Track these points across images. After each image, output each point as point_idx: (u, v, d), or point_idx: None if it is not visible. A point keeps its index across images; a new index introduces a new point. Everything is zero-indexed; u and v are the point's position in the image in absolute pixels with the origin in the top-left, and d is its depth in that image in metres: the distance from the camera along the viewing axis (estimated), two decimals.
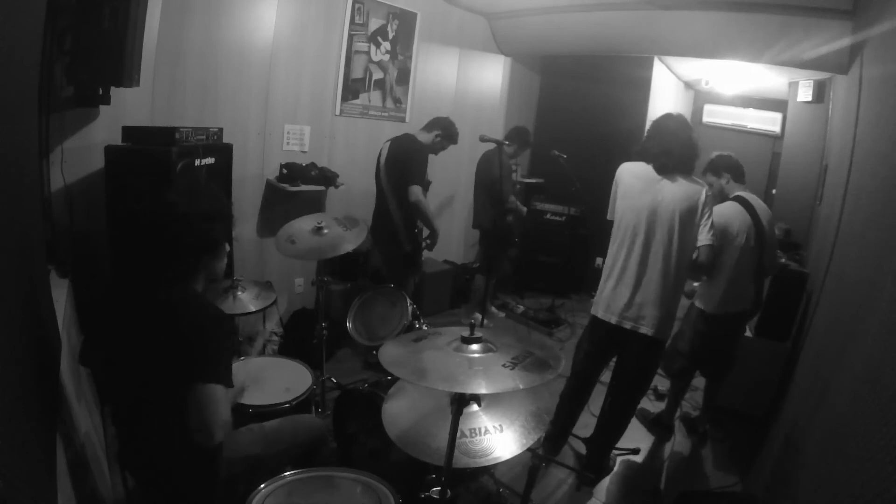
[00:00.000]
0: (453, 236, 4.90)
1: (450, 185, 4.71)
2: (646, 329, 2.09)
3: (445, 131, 3.24)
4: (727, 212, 2.52)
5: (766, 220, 2.57)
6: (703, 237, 2.09)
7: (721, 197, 2.65)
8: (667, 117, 2.21)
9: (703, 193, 2.09)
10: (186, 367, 1.19)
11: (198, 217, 1.29)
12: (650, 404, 3.15)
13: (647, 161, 2.14)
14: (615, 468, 2.48)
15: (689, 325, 2.73)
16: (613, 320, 2.15)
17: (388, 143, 3.19)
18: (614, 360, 2.35)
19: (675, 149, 2.09)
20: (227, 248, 1.43)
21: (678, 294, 2.15)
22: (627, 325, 2.12)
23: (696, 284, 2.79)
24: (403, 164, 3.04)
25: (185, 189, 1.36)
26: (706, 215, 2.09)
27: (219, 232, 1.35)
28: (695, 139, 2.14)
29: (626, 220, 2.14)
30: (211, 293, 2.16)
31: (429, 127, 3.24)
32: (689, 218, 2.07)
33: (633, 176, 2.17)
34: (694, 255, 2.11)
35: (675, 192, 2.07)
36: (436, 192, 4.52)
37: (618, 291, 2.14)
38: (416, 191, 2.96)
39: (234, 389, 1.34)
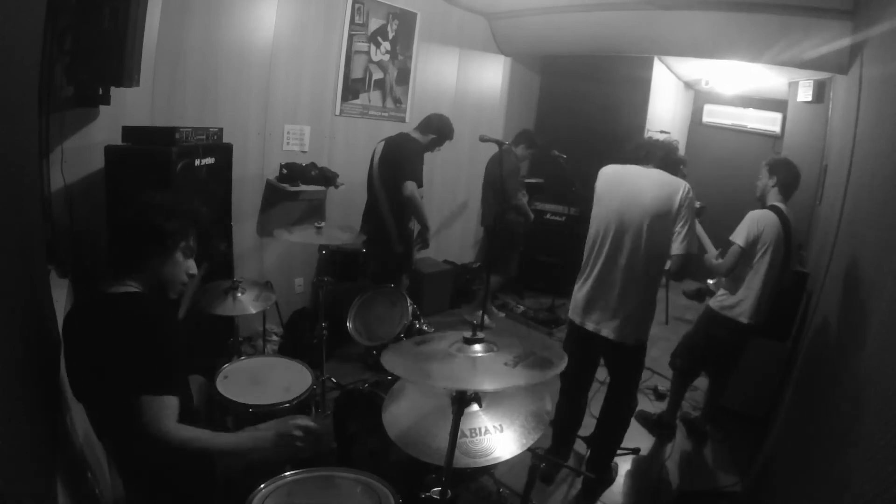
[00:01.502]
0: (453, 236, 4.90)
1: (450, 185, 4.71)
2: (607, 332, 2.08)
3: (440, 133, 3.22)
4: (764, 220, 2.47)
5: (793, 234, 2.54)
6: (677, 246, 1.98)
7: (760, 197, 2.62)
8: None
9: (681, 192, 1.96)
10: (124, 378, 1.20)
11: (153, 206, 1.29)
12: (650, 405, 3.15)
13: (626, 161, 2.13)
14: (617, 473, 2.47)
15: (704, 327, 2.70)
16: (577, 321, 2.17)
17: (383, 142, 3.17)
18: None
19: (649, 146, 2.09)
20: (182, 262, 1.37)
21: (649, 298, 2.09)
22: (590, 327, 2.12)
23: (714, 286, 2.77)
24: (398, 163, 3.02)
25: (160, 187, 1.36)
26: (682, 220, 1.97)
27: (172, 229, 1.31)
28: (675, 151, 2.12)
29: (597, 222, 2.12)
30: (211, 295, 2.16)
31: (423, 129, 3.21)
32: (661, 219, 1.97)
33: (607, 178, 2.14)
34: (667, 265, 2.06)
35: (647, 191, 1.99)
36: (436, 192, 4.52)
37: (583, 294, 2.15)
38: (410, 186, 2.95)
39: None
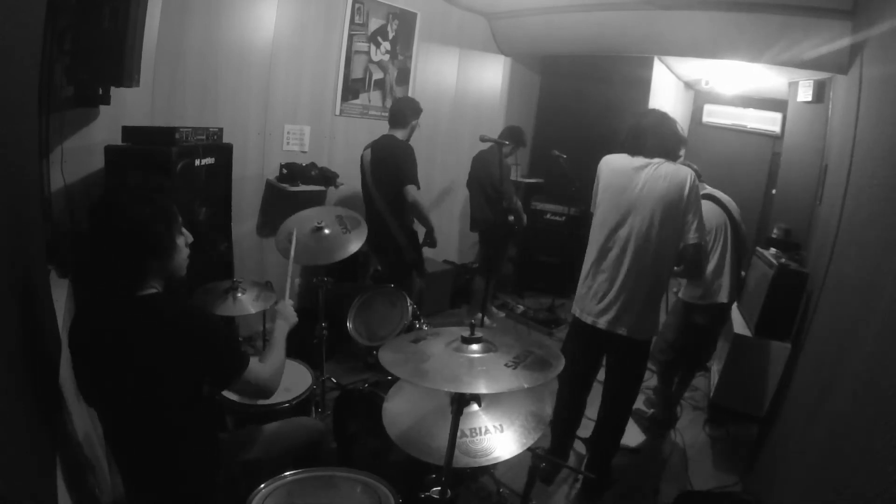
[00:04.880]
0: (453, 236, 4.90)
1: (450, 185, 4.71)
2: (622, 330, 2.05)
3: (413, 113, 3.13)
4: (704, 212, 2.56)
5: (737, 214, 2.74)
6: (691, 236, 2.00)
7: None
8: (643, 113, 2.19)
9: (689, 181, 1.96)
10: (213, 377, 1.34)
11: (138, 221, 1.24)
12: (645, 403, 3.15)
13: (626, 150, 2.09)
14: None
15: (679, 318, 2.79)
16: (590, 321, 2.12)
17: (369, 148, 3.10)
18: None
19: (648, 130, 2.05)
20: (184, 243, 1.37)
21: (658, 293, 2.09)
22: (603, 325, 2.08)
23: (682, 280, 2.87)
24: (394, 167, 2.97)
25: (130, 192, 1.30)
26: (692, 209, 1.98)
27: (163, 232, 1.29)
28: (672, 128, 2.07)
29: (603, 217, 2.09)
30: (211, 295, 2.16)
31: (398, 122, 3.11)
32: (671, 212, 1.97)
33: (612, 170, 2.10)
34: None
35: (655, 183, 1.98)
36: (436, 192, 4.52)
37: (593, 292, 2.11)
38: (412, 190, 2.91)
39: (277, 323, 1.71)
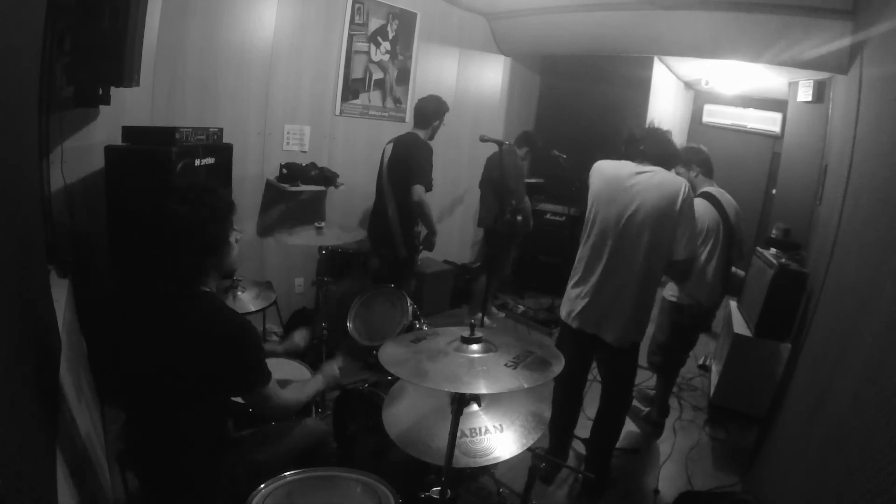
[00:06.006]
0: (453, 236, 4.90)
1: (450, 185, 4.70)
2: (608, 337, 2.05)
3: (438, 115, 3.15)
4: (697, 210, 2.55)
5: (733, 213, 2.67)
6: (681, 250, 1.96)
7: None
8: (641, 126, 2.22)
9: (682, 192, 1.93)
10: (234, 380, 1.37)
11: (196, 223, 1.31)
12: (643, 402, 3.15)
13: (623, 157, 2.09)
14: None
15: (667, 319, 2.79)
16: (575, 325, 2.12)
17: (391, 143, 3.15)
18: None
19: (644, 136, 2.06)
20: (235, 240, 1.44)
21: (646, 302, 2.08)
22: (589, 330, 2.08)
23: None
24: (406, 164, 2.99)
25: (182, 194, 1.36)
26: (684, 222, 1.94)
27: (219, 232, 1.37)
28: (668, 139, 2.10)
29: (595, 223, 2.07)
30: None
31: (422, 122, 3.13)
32: (661, 224, 1.94)
33: (603, 177, 2.09)
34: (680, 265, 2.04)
35: (648, 192, 1.95)
36: (436, 192, 4.50)
37: (580, 296, 2.10)
38: (419, 190, 2.93)
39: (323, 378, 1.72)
